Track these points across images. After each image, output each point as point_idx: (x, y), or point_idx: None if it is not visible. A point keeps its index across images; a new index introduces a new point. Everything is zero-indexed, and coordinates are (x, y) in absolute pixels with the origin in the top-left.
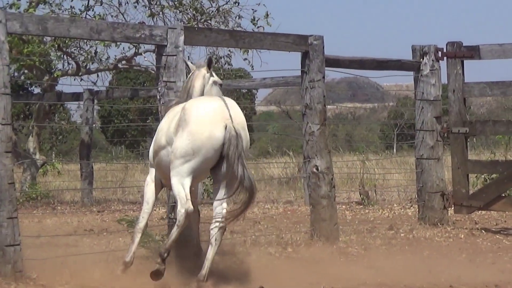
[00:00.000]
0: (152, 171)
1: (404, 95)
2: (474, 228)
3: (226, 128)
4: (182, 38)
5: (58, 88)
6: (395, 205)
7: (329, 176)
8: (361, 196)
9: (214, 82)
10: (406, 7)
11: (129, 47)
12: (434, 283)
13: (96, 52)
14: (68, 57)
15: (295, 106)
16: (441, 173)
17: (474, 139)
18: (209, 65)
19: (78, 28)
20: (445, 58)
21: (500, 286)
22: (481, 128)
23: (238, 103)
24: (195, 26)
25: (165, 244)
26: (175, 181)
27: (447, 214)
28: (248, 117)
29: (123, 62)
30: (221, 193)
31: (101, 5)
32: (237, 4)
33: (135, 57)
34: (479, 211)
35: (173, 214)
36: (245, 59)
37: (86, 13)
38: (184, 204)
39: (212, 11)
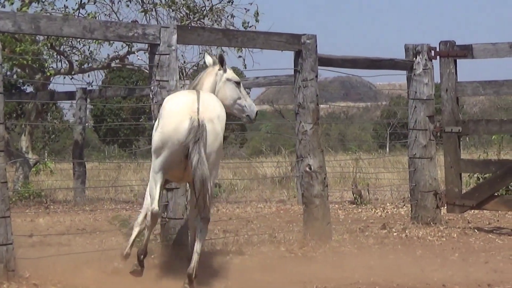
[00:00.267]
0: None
1: (397, 94)
2: (467, 227)
3: (190, 119)
4: (175, 37)
5: (51, 87)
6: (388, 204)
7: (322, 175)
8: (354, 195)
9: (228, 79)
10: (399, 7)
11: (122, 46)
12: (427, 283)
13: (91, 52)
14: (61, 56)
15: (288, 105)
16: (434, 172)
17: (467, 138)
18: (221, 62)
19: (71, 27)
20: (438, 57)
21: (493, 285)
22: (474, 128)
23: None
24: (188, 25)
25: (141, 246)
26: (150, 177)
27: (440, 213)
28: None
29: (116, 61)
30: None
31: (94, 3)
32: (230, 3)
33: (128, 56)
34: (472, 211)
35: (165, 213)
36: (240, 56)
37: (79, 12)
38: (149, 205)
39: (205, 10)
